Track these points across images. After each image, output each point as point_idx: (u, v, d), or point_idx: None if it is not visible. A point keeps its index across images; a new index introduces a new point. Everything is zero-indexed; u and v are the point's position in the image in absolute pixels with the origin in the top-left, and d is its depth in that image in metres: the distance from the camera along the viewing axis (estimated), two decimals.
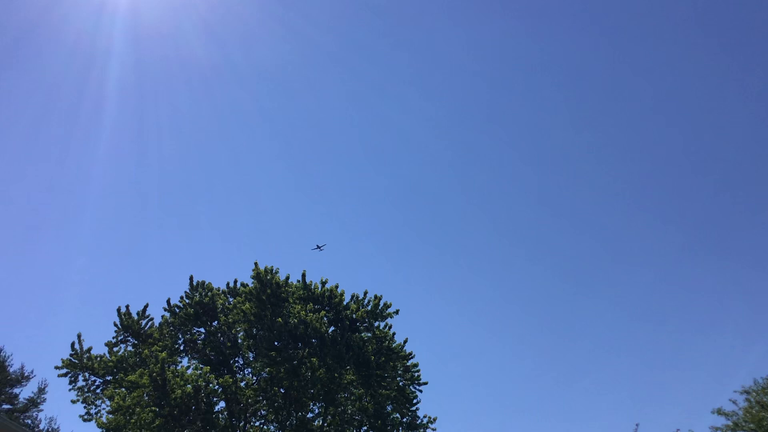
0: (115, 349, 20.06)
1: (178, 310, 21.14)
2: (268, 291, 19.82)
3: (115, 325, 20.62)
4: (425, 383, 20.72)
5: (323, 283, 20.65)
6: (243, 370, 20.98)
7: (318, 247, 46.85)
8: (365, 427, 19.65)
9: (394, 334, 20.25)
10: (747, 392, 23.54)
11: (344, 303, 20.50)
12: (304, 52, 64.51)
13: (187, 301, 21.32)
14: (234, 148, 67.14)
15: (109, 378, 19.66)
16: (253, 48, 60.53)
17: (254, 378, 20.64)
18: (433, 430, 20.29)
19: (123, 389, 18.26)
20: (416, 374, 20.60)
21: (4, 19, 49.03)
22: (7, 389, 29.45)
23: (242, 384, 20.28)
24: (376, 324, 20.40)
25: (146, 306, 21.16)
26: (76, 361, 19.56)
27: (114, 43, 51.41)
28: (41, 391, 30.14)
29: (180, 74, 60.20)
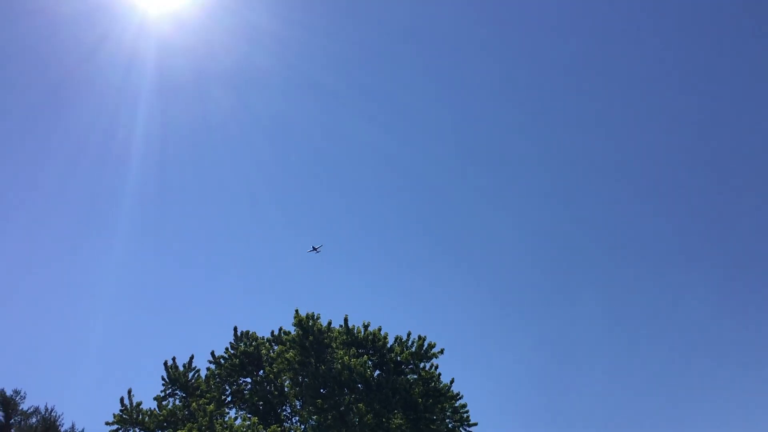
0: (164, 402, 20.22)
1: (223, 361, 21.33)
2: (311, 338, 19.85)
3: (163, 378, 20.83)
4: (475, 424, 20.30)
5: (366, 327, 20.61)
6: (291, 419, 20.92)
7: (314, 248, 45.26)
8: None
9: (440, 374, 20.00)
10: None
11: (388, 345, 20.37)
12: (327, 105, 65.41)
13: (232, 351, 21.52)
14: (254, 195, 67.85)
15: None
16: (273, 98, 61.66)
17: (302, 426, 20.53)
18: None
19: None
20: (465, 415, 20.22)
21: (38, 74, 51.06)
22: None
23: None
24: (422, 365, 20.17)
25: (192, 358, 21.36)
26: (127, 417, 19.71)
27: (141, 96, 52.98)
28: None
29: (203, 126, 61.61)
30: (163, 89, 55.52)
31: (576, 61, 64.62)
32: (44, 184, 58.41)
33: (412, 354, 20.05)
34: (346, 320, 20.85)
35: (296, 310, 20.63)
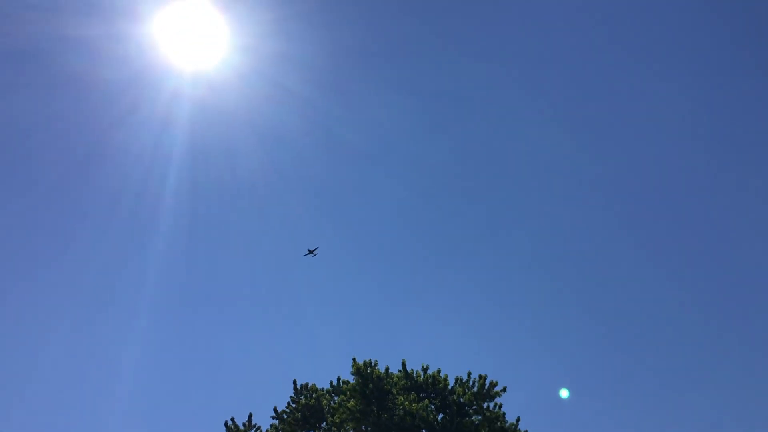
0: None
1: (286, 416, 21.33)
2: (371, 385, 19.73)
3: None
4: None
5: (425, 370, 20.40)
6: None
7: (310, 251, 44.37)
8: None
9: (504, 414, 19.55)
10: None
11: (449, 387, 20.08)
12: (356, 165, 65.94)
13: (293, 405, 21.53)
14: (283, 254, 68.01)
15: None
16: (303, 159, 62.57)
17: None
18: None
19: None
20: None
21: (73, 138, 52.98)
22: None
23: None
24: (485, 405, 19.78)
25: (250, 416, 21.55)
26: None
27: (173, 156, 54.28)
28: None
29: (233, 185, 62.64)
30: (195, 149, 56.94)
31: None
32: (75, 249, 59.82)
33: (474, 394, 19.69)
34: (404, 364, 20.69)
35: (353, 359, 20.62)
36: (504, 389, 19.73)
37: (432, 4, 57.25)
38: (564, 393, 52.50)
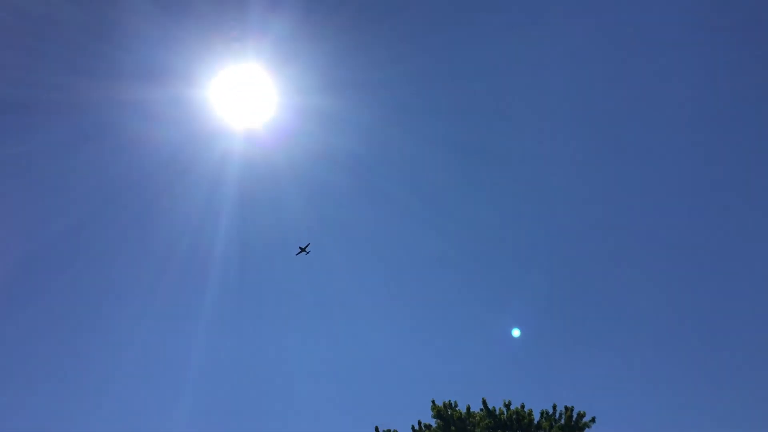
0: None
1: None
2: (453, 428, 19.38)
3: None
4: None
5: (507, 406, 19.87)
6: None
7: (302, 249, 43.28)
8: None
9: None
10: None
11: (534, 422, 19.51)
12: (401, 218, 66.27)
13: None
14: (331, 309, 67.67)
15: None
16: (347, 213, 63.26)
17: None
18: None
19: None
20: None
21: (129, 198, 54.80)
22: None
23: None
24: None
25: None
26: None
27: (223, 211, 55.40)
28: None
29: (280, 239, 63.26)
30: (243, 206, 58.15)
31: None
32: (131, 302, 60.77)
33: (561, 428, 19.02)
34: (484, 402, 20.22)
35: (432, 401, 20.32)
36: (593, 419, 19.02)
37: (481, 65, 57.86)
38: (516, 333, 52.03)
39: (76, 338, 54.53)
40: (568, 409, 19.23)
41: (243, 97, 52.44)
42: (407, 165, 60.03)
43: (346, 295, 58.20)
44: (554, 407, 19.47)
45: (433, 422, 20.15)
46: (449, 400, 20.26)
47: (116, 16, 52.58)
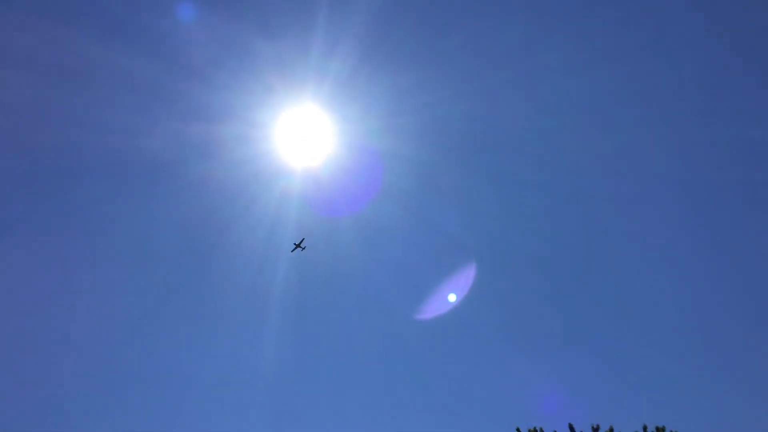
0: None
1: None
2: None
3: None
4: None
5: (595, 430, 20.17)
6: None
7: (297, 245, 42.54)
8: None
9: None
10: None
11: None
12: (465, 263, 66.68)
13: None
14: (387, 345, 67.47)
15: None
16: (399, 247, 64.11)
17: None
18: None
19: None
20: None
21: (193, 237, 56.62)
22: None
23: None
24: None
25: None
26: None
27: (281, 254, 56.81)
28: None
29: (335, 271, 63.97)
30: (300, 235, 59.65)
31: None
32: (194, 337, 61.62)
33: None
34: (571, 428, 20.54)
35: (517, 429, 20.73)
36: None
37: (541, 102, 58.99)
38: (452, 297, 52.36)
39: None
40: (659, 429, 19.38)
41: (302, 137, 54.70)
42: (459, 200, 60.99)
43: (404, 328, 58.73)
44: (645, 428, 19.63)
45: None
46: (534, 427, 20.60)
47: (184, 61, 55.83)
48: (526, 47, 56.09)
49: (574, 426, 20.85)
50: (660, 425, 19.39)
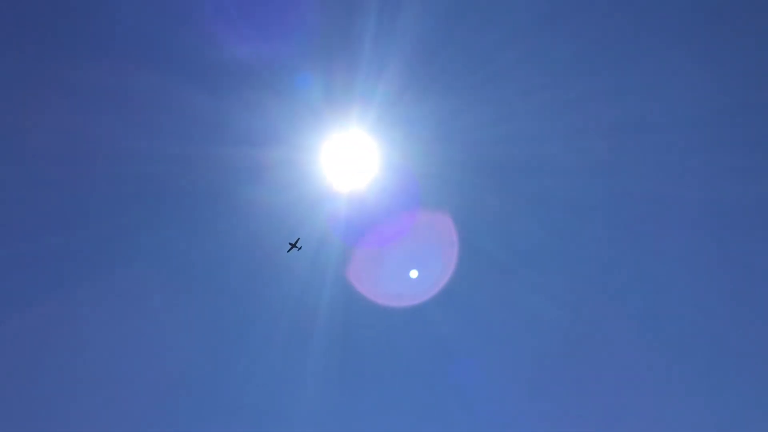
0: None
1: None
2: None
3: None
4: None
5: None
6: None
7: (293, 245, 41.57)
8: None
9: None
10: None
11: None
12: (505, 283, 66.52)
13: None
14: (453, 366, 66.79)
15: None
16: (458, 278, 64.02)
17: None
18: None
19: None
20: None
21: (239, 262, 56.62)
22: None
23: None
24: None
25: None
26: None
27: (327, 277, 56.61)
28: None
29: (381, 293, 63.60)
30: (346, 262, 59.53)
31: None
32: (240, 360, 61.12)
33: None
34: None
35: None
36: None
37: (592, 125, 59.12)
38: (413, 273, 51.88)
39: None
40: None
41: (347, 161, 54.91)
42: (504, 224, 60.75)
43: (452, 357, 58.06)
44: None
45: None
46: None
47: (230, 85, 56.26)
48: (575, 69, 56.48)
49: None
50: None
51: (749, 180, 55.82)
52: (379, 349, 63.10)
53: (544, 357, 61.89)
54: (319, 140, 54.25)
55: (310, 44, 55.78)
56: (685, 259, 61.53)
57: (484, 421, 57.87)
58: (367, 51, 53.75)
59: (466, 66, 55.25)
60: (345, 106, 54.24)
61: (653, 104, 55.99)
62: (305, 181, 54.43)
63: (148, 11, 50.64)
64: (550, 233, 61.72)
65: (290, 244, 46.11)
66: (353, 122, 54.11)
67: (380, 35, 54.58)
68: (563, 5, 55.57)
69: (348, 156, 54.59)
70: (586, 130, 59.09)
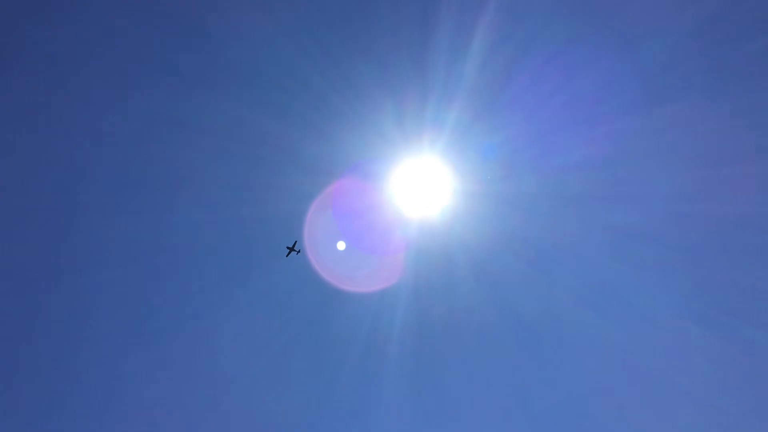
0: None
1: None
2: None
3: None
4: None
5: None
6: None
7: (291, 249, 40.22)
8: None
9: None
10: None
11: None
12: (577, 311, 65.19)
13: None
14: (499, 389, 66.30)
15: None
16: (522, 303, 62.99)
17: None
18: None
19: None
20: None
21: (311, 287, 56.97)
22: None
23: None
24: None
25: None
26: None
27: (400, 300, 56.46)
28: None
29: (452, 316, 63.10)
30: (419, 290, 59.25)
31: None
32: (312, 389, 61.53)
33: None
34: None
35: None
36: None
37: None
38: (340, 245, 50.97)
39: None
40: None
41: (419, 187, 54.72)
42: (577, 250, 59.34)
43: (520, 382, 57.13)
44: None
45: None
46: None
47: (301, 112, 56.86)
48: (649, 96, 54.82)
49: None
50: None
51: None
52: (453, 372, 62.90)
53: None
54: (390, 166, 54.36)
55: (382, 69, 56.04)
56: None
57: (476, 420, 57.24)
58: (439, 78, 53.45)
59: (537, 94, 54.34)
60: (416, 132, 54.20)
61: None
62: (376, 208, 54.64)
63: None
64: (626, 265, 60.17)
65: (288, 248, 45.56)
66: (424, 150, 54.02)
67: (453, 60, 54.38)
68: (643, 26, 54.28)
69: (419, 183, 54.47)
70: (666, 153, 57.33)
